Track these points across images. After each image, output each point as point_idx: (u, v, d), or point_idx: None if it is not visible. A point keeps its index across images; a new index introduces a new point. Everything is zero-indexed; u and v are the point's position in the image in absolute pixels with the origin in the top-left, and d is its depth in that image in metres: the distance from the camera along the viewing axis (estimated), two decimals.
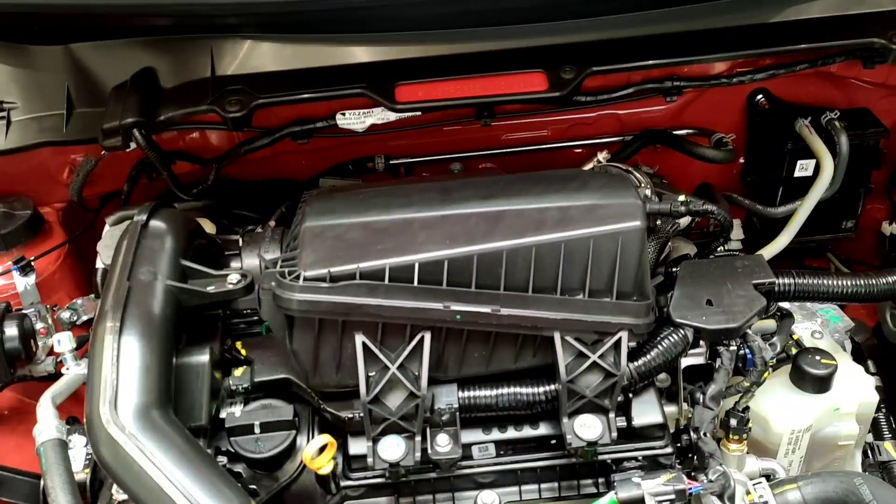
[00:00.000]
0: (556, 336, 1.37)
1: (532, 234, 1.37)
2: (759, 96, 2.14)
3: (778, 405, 1.72)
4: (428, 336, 1.37)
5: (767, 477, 1.62)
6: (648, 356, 1.44)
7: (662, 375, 1.58)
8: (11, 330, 1.70)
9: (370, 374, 1.38)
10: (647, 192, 1.58)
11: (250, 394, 1.49)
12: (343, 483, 1.47)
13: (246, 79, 1.74)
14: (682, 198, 1.58)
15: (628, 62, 1.74)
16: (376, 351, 1.36)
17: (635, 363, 1.44)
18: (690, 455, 1.51)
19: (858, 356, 2.00)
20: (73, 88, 1.87)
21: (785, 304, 1.88)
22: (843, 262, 2.38)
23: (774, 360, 1.74)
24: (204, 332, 1.49)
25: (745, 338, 1.53)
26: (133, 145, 1.74)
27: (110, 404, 1.22)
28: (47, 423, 1.40)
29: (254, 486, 1.45)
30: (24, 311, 1.81)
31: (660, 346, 1.45)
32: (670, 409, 1.63)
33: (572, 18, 1.76)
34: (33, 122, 1.89)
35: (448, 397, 1.40)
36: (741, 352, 1.60)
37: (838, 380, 1.73)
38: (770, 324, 1.71)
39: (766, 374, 1.58)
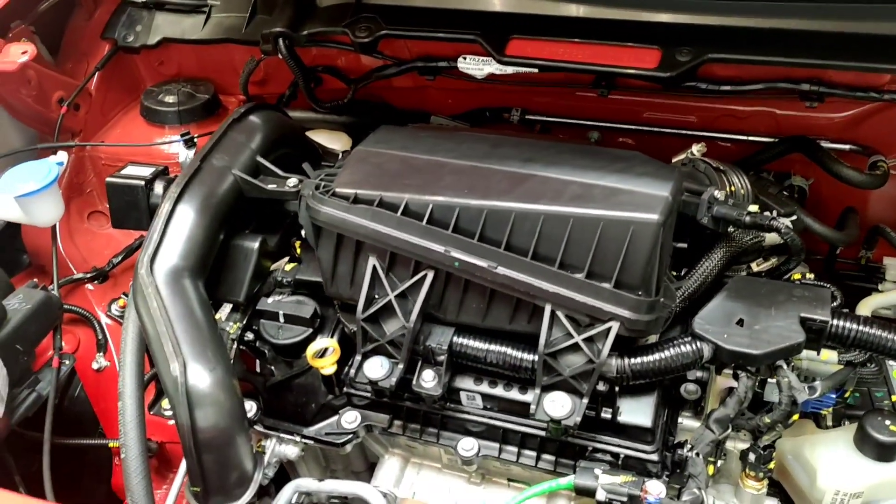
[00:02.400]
0: (547, 308, 1.37)
1: (545, 202, 1.36)
2: None
3: (831, 461, 1.56)
4: (430, 275, 1.43)
5: None
6: (649, 357, 1.38)
7: (692, 387, 1.50)
8: (159, 189, 1.96)
9: (375, 297, 1.47)
10: (718, 193, 1.47)
11: (294, 288, 1.66)
12: (347, 389, 1.60)
13: (382, 9, 1.87)
14: (751, 208, 1.46)
15: (754, 55, 1.60)
16: (382, 276, 1.46)
17: (632, 360, 1.38)
18: (678, 470, 1.43)
19: None
20: None
21: None
22: None
23: (828, 410, 1.57)
24: (271, 224, 1.67)
25: (777, 371, 1.40)
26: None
27: (149, 257, 1.45)
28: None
29: (272, 367, 1.63)
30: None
31: (666, 352, 1.38)
32: (693, 423, 1.55)
33: None
34: (224, 20, 2.19)
35: (442, 337, 1.46)
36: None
37: None
38: (834, 367, 1.54)
39: (795, 417, 1.44)
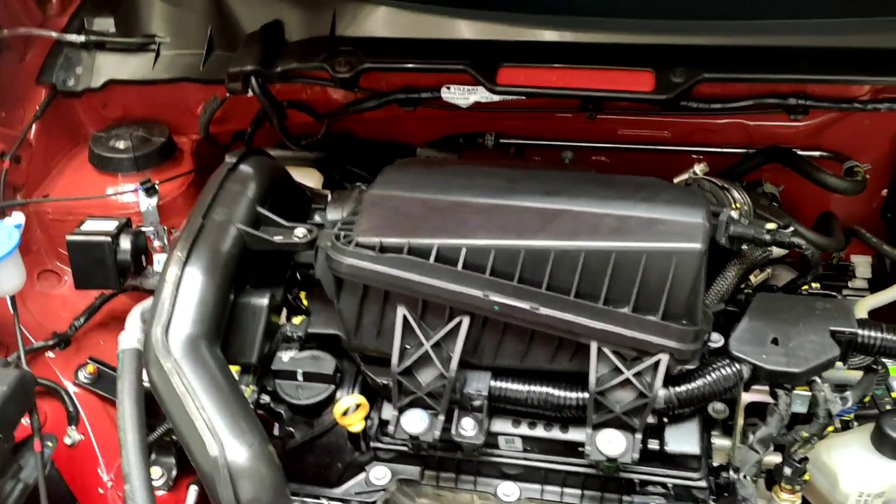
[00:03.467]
0: (593, 345, 1.34)
1: (584, 237, 1.34)
2: None
3: (851, 463, 1.60)
4: (466, 321, 1.38)
5: None
6: (694, 384, 1.38)
7: (720, 406, 1.51)
8: (125, 244, 1.84)
9: (406, 347, 1.41)
10: (734, 213, 1.49)
11: (304, 343, 1.57)
12: (373, 444, 1.52)
13: (359, 42, 1.81)
14: (769, 226, 1.48)
15: (745, 73, 1.63)
16: (415, 326, 1.40)
17: (677, 388, 1.38)
18: (726, 494, 1.44)
19: None
20: (215, 31, 2.01)
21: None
22: None
23: (852, 415, 1.61)
24: (273, 278, 1.58)
25: (812, 385, 1.42)
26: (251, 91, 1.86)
27: (163, 328, 1.33)
28: (131, 333, 1.54)
29: (290, 429, 1.54)
30: (142, 229, 1.98)
31: (708, 377, 1.39)
32: (723, 442, 1.55)
33: (691, 18, 1.67)
34: (177, 58, 2.06)
35: (479, 383, 1.42)
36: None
37: None
38: (854, 374, 1.58)
39: (830, 428, 1.47)
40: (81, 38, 2.10)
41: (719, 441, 1.54)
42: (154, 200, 2.02)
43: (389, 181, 1.50)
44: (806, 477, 1.50)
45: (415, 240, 1.37)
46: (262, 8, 1.94)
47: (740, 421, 1.55)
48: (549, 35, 1.74)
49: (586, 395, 1.39)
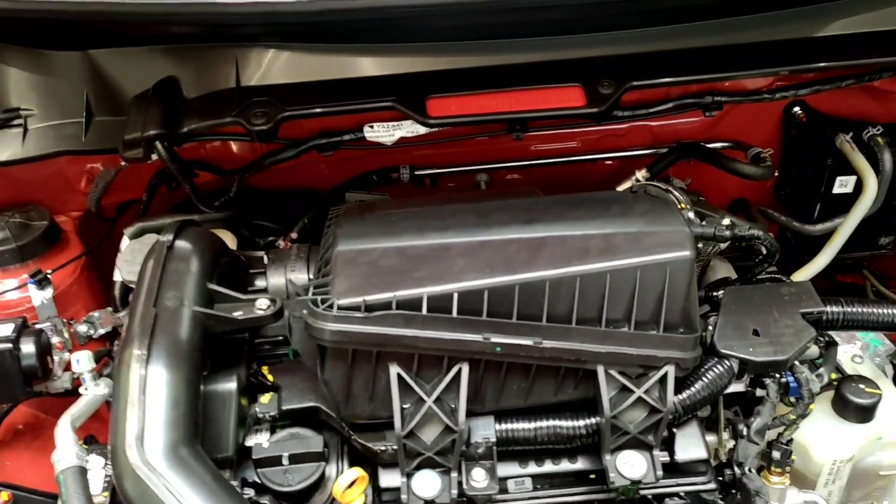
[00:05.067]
0: (600, 370, 1.32)
1: (576, 262, 1.31)
2: (797, 109, 2.07)
3: (819, 434, 1.67)
4: (466, 368, 1.31)
5: None
6: (693, 389, 1.39)
7: None
8: (28, 347, 1.63)
9: (404, 407, 1.32)
10: (691, 214, 1.51)
11: (277, 422, 1.43)
12: None
13: (272, 90, 1.68)
14: (726, 221, 1.52)
15: (668, 76, 1.67)
16: (412, 383, 1.31)
17: (680, 396, 1.38)
18: (734, 491, 1.45)
19: None
20: (93, 96, 1.81)
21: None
22: (879, 279, 2.32)
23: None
24: (230, 358, 1.43)
25: (793, 369, 1.47)
26: (154, 156, 1.68)
27: (137, 440, 1.16)
28: (67, 449, 1.34)
29: None
30: (40, 326, 1.75)
31: (705, 379, 1.40)
32: (709, 438, 1.57)
33: (610, 31, 1.70)
34: (51, 130, 1.83)
35: (485, 430, 1.35)
36: (782, 380, 1.54)
37: (881, 408, 1.67)
38: (813, 350, 1.65)
39: (811, 407, 1.52)
40: None
41: (706, 437, 1.56)
42: (48, 292, 1.82)
43: (354, 234, 1.40)
44: (794, 457, 1.55)
45: (401, 292, 1.28)
46: (147, 65, 1.77)
47: (723, 415, 1.58)
48: (472, 61, 1.70)
49: (594, 420, 1.36)
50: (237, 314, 1.37)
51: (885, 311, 1.52)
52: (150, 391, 1.21)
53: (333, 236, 1.42)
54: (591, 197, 1.48)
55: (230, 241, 1.92)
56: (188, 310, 1.33)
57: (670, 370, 1.32)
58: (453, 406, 1.32)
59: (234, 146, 1.92)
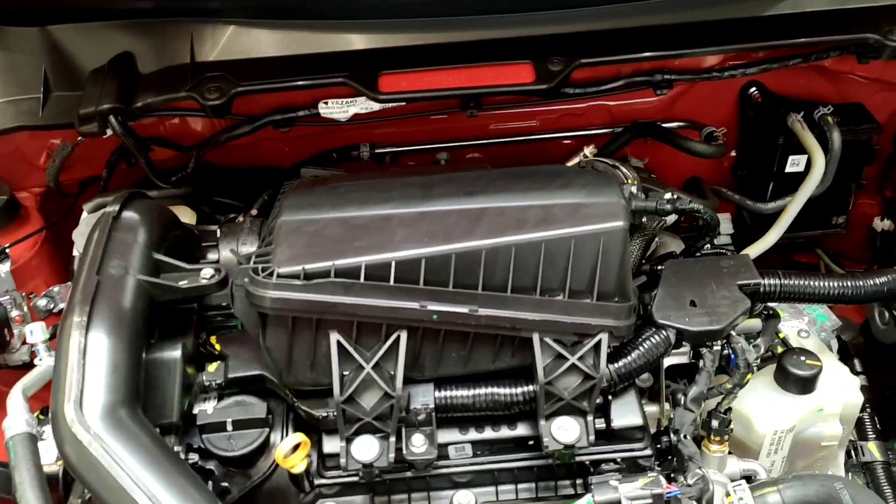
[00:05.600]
0: (535, 337, 1.35)
1: (512, 232, 1.34)
2: (753, 89, 2.10)
3: (761, 405, 1.70)
4: (404, 335, 1.34)
5: (749, 478, 1.61)
6: (629, 357, 1.42)
7: (644, 375, 1.56)
8: None
9: (345, 373, 1.35)
10: (634, 188, 1.54)
11: (224, 390, 1.46)
12: (317, 481, 1.45)
13: (226, 65, 1.71)
14: (668, 195, 1.55)
15: (617, 54, 1.70)
16: (351, 350, 1.34)
17: (615, 364, 1.41)
18: (670, 457, 1.49)
19: (845, 355, 1.98)
20: (51, 71, 1.83)
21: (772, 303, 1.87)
22: (832, 258, 2.36)
23: (759, 360, 1.72)
24: (177, 327, 1.46)
25: (729, 339, 1.51)
26: (110, 131, 1.71)
27: (75, 403, 1.19)
28: (17, 416, 1.37)
29: (226, 484, 1.43)
30: None
31: (641, 348, 1.43)
32: (652, 408, 1.62)
33: (561, 9, 1.72)
34: (9, 106, 1.85)
35: (424, 397, 1.38)
36: (724, 352, 1.57)
37: (823, 380, 1.71)
38: (755, 323, 1.69)
39: (749, 376, 1.56)
40: None
41: (648, 408, 1.60)
42: (6, 266, 1.85)
43: (299, 205, 1.42)
44: (732, 427, 1.58)
45: (340, 261, 1.31)
46: (104, 41, 1.79)
47: (664, 385, 1.62)
48: (426, 38, 1.72)
49: (532, 387, 1.39)
50: (182, 283, 1.39)
51: (821, 283, 1.56)
52: (90, 356, 1.23)
53: (280, 207, 1.44)
54: (536, 170, 1.50)
55: (189, 216, 1.95)
56: (132, 278, 1.35)
57: (604, 338, 1.35)
58: (392, 373, 1.35)
59: (192, 123, 1.94)
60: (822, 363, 1.68)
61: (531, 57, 1.68)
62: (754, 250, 1.94)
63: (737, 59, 1.87)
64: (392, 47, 1.70)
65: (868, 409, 1.92)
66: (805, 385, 1.68)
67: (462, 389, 1.40)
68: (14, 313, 1.81)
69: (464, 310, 1.31)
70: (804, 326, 1.88)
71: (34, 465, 1.31)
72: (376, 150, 2.08)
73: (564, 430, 1.36)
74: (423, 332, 1.35)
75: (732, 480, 1.54)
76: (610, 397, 1.44)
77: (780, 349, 1.79)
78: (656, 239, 1.85)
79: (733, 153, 2.26)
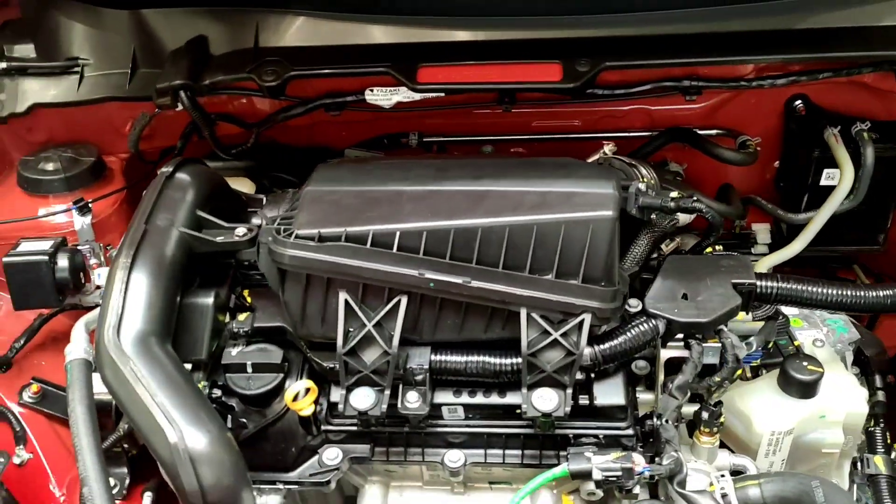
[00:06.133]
0: (523, 312, 1.46)
1: (508, 214, 1.46)
2: (798, 102, 2.13)
3: (761, 406, 1.76)
4: (404, 300, 1.48)
5: (739, 472, 1.67)
6: (615, 341, 1.52)
7: (642, 363, 1.64)
8: (63, 261, 1.88)
9: (350, 330, 1.50)
10: (642, 186, 1.63)
11: (251, 337, 1.64)
12: (324, 427, 1.61)
13: (284, 51, 1.89)
14: (674, 194, 1.63)
15: (643, 59, 1.79)
16: (357, 308, 1.49)
17: (601, 346, 1.51)
18: (652, 440, 1.57)
19: (866, 370, 2.00)
20: (139, 50, 2.06)
21: (794, 310, 1.92)
22: (876, 277, 2.34)
23: (759, 361, 1.77)
24: (215, 279, 1.65)
25: (720, 334, 1.58)
26: (181, 105, 1.92)
27: (114, 329, 1.39)
28: (77, 344, 1.59)
29: (244, 420, 1.61)
30: (78, 247, 2.01)
31: (628, 333, 1.52)
32: (648, 396, 1.69)
33: (594, 14, 1.82)
34: (102, 79, 2.10)
35: (420, 358, 1.52)
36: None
37: (826, 388, 1.74)
38: (758, 324, 1.74)
39: (738, 372, 1.62)
40: (3, 65, 2.13)
41: (644, 395, 1.68)
42: (88, 219, 2.06)
43: (326, 178, 1.59)
44: (722, 420, 1.65)
45: (352, 228, 1.47)
46: (184, 25, 2.01)
47: (661, 375, 1.70)
48: (464, 35, 1.86)
49: (519, 359, 1.51)
50: (219, 238, 1.58)
51: (819, 289, 1.60)
52: (130, 292, 1.44)
53: (310, 179, 1.61)
54: (545, 161, 1.62)
55: (249, 187, 2.16)
56: (176, 230, 1.55)
57: (587, 318, 1.46)
58: (391, 333, 1.49)
59: (257, 103, 2.14)
60: (823, 370, 1.72)
61: (561, 57, 1.79)
62: (776, 259, 1.99)
63: (767, 69, 1.92)
64: (432, 42, 1.85)
65: (882, 424, 1.93)
66: (806, 389, 1.72)
67: (456, 355, 1.52)
68: (92, 261, 2.04)
69: (458, 280, 1.45)
70: (821, 337, 1.91)
71: (86, 386, 1.53)
72: (424, 139, 2.23)
73: (544, 400, 1.47)
74: (422, 298, 1.49)
75: (721, 472, 1.62)
76: (593, 376, 1.53)
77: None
78: (677, 239, 1.93)
79: (777, 164, 2.29)
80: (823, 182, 2.09)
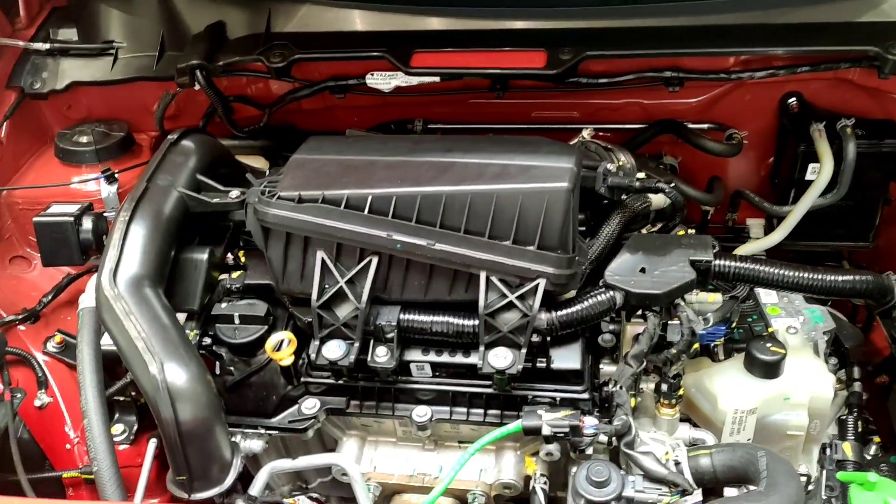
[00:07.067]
0: (482, 275, 1.57)
1: (470, 183, 1.57)
2: (792, 99, 2.19)
3: (726, 385, 1.82)
4: (375, 260, 1.61)
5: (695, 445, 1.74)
6: (572, 308, 1.61)
7: (607, 336, 1.73)
8: (87, 224, 2.05)
9: (325, 286, 1.64)
10: (611, 167, 1.73)
11: (242, 294, 1.79)
12: (304, 379, 1.74)
13: (292, 36, 2.05)
14: (640, 175, 1.72)
15: (624, 49, 1.88)
16: (331, 266, 1.62)
17: (558, 312, 1.60)
18: (607, 405, 1.66)
19: (845, 362, 2.04)
20: (167, 34, 2.25)
21: (773, 299, 1.98)
22: None
23: (720, 341, 1.84)
24: (212, 238, 1.81)
25: (676, 308, 1.65)
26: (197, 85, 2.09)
27: (111, 272, 1.56)
28: (90, 294, 1.76)
29: (230, 368, 1.75)
30: (104, 213, 2.19)
31: (585, 302, 1.61)
32: (611, 368, 1.78)
33: (580, 6, 1.93)
34: (133, 60, 2.30)
35: (390, 316, 1.64)
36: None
37: (792, 371, 1.80)
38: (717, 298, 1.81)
39: (695, 345, 1.70)
40: (47, 46, 2.34)
41: (607, 367, 1.77)
42: (114, 188, 2.25)
43: (312, 148, 1.73)
44: (681, 392, 1.72)
45: (329, 191, 1.60)
46: (207, 11, 2.20)
47: (625, 349, 1.78)
48: (456, 24, 1.99)
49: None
50: (214, 200, 1.74)
51: (775, 270, 1.66)
52: (128, 241, 1.60)
53: (299, 149, 1.76)
54: (513, 139, 1.73)
55: (262, 164, 2.32)
56: (175, 191, 1.71)
57: (541, 283, 1.56)
58: (363, 291, 1.62)
59: (271, 86, 2.30)
60: (785, 351, 1.78)
61: (546, 46, 1.90)
62: (753, 247, 2.05)
63: (746, 63, 1.99)
64: (427, 30, 1.98)
65: (856, 413, 1.96)
66: (768, 370, 1.78)
67: (423, 315, 1.64)
68: None
69: (422, 242, 1.56)
70: (795, 325, 1.97)
71: (94, 331, 1.69)
72: (429, 126, 2.35)
73: (499, 358, 1.58)
74: (391, 259, 1.62)
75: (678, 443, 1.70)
76: (549, 339, 1.63)
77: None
78: (659, 225, 2.00)
79: (771, 160, 2.35)
80: (809, 176, 2.14)
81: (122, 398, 2.08)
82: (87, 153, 2.31)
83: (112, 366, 1.79)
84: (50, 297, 2.23)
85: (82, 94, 2.38)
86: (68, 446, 2.12)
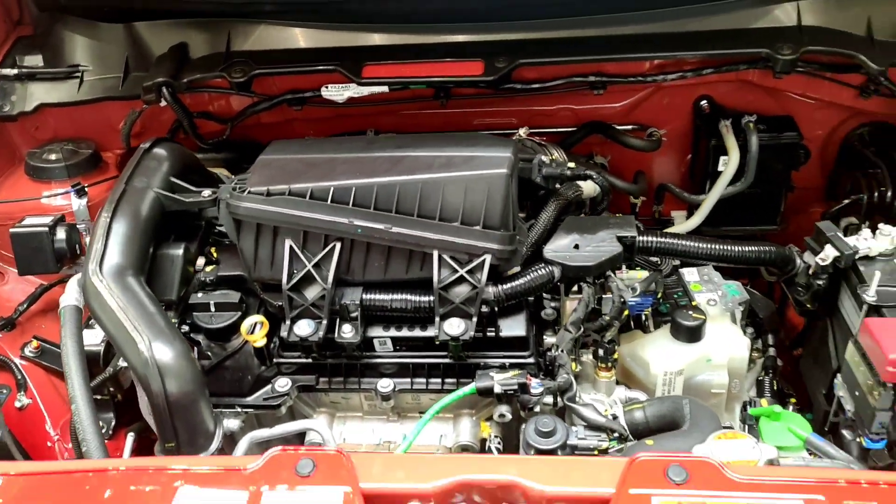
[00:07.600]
0: (435, 253, 1.77)
1: (421, 172, 1.78)
2: (704, 101, 2.46)
3: (656, 351, 2.04)
4: (338, 245, 1.80)
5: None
6: (516, 282, 1.82)
7: (549, 311, 1.94)
8: (61, 233, 2.19)
9: (294, 271, 1.81)
10: (545, 158, 1.95)
11: (216, 286, 1.95)
12: (276, 360, 1.91)
13: (250, 54, 2.24)
14: (571, 165, 1.95)
15: (553, 57, 2.12)
16: (299, 252, 1.80)
17: (504, 286, 1.81)
18: (551, 368, 1.86)
19: (760, 330, 2.28)
20: (131, 57, 2.42)
21: (695, 276, 2.22)
22: None
23: (648, 311, 2.06)
24: (187, 235, 1.97)
25: (607, 280, 1.88)
26: (164, 103, 2.26)
27: (97, 263, 1.71)
28: (70, 293, 1.90)
29: (208, 353, 1.91)
30: (76, 224, 2.33)
31: (527, 276, 1.82)
32: (554, 339, 1.98)
33: (513, 20, 2.17)
34: (99, 82, 2.45)
35: (353, 295, 1.82)
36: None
37: (712, 336, 2.03)
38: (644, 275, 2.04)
39: (625, 312, 1.92)
40: (14, 72, 2.48)
41: (550, 339, 1.97)
42: (84, 201, 2.38)
43: (276, 149, 1.93)
44: (615, 356, 1.94)
45: (295, 185, 1.79)
46: (169, 33, 2.37)
47: (565, 321, 1.99)
48: (401, 39, 2.21)
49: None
50: (187, 199, 1.91)
51: (691, 243, 1.90)
52: (111, 236, 1.76)
53: (263, 151, 1.94)
54: (457, 134, 1.94)
55: (226, 175, 2.48)
56: (151, 191, 1.88)
57: (487, 258, 1.76)
58: (328, 274, 1.80)
59: (232, 102, 2.48)
60: (705, 317, 2.01)
61: (483, 56, 2.13)
62: (675, 231, 2.29)
63: (660, 67, 2.25)
64: (375, 45, 2.19)
65: (771, 374, 2.20)
66: (691, 334, 2.00)
67: (383, 293, 1.83)
68: (87, 239, 2.34)
69: (381, 227, 1.76)
70: (715, 297, 2.20)
71: (76, 326, 1.83)
72: (379, 134, 2.55)
73: (453, 326, 1.77)
74: (353, 243, 1.81)
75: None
76: (497, 310, 1.83)
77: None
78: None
79: (689, 157, 2.61)
80: (720, 168, 2.40)
81: (98, 396, 2.20)
82: (57, 169, 2.45)
83: (90, 366, 1.92)
84: (25, 306, 2.35)
85: (50, 115, 2.52)
86: (49, 443, 2.23)
